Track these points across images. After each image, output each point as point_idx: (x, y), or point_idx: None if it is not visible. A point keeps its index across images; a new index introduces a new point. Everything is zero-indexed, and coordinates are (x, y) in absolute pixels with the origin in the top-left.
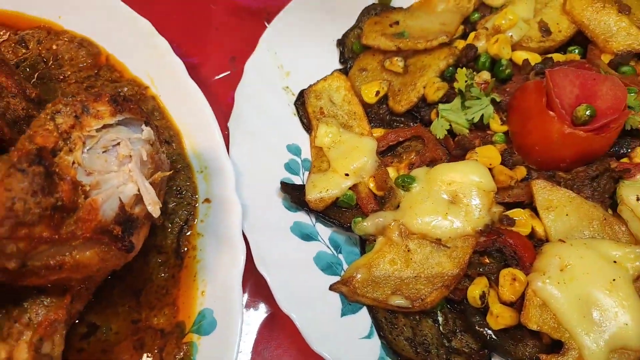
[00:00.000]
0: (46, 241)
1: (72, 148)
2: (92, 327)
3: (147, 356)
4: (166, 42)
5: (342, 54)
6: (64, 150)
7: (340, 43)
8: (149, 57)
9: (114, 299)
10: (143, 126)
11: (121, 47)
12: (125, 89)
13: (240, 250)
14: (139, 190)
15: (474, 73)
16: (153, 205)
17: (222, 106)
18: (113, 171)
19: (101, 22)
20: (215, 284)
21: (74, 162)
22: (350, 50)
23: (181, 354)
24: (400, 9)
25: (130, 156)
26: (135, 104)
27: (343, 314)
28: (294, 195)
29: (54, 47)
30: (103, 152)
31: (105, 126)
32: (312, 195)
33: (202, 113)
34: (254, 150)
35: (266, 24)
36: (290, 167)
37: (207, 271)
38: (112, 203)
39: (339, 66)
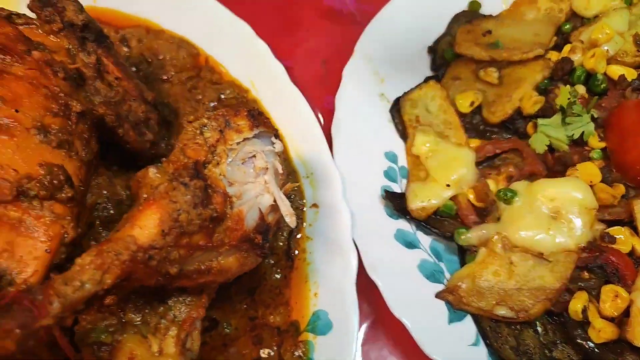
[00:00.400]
0: (201, 248)
1: (218, 161)
2: (213, 322)
3: (267, 352)
4: (266, 45)
5: (433, 61)
6: (212, 163)
7: (432, 50)
8: (248, 60)
9: (232, 297)
10: (273, 139)
11: (220, 49)
12: (228, 91)
13: (353, 256)
14: (274, 201)
15: (576, 90)
16: (290, 216)
17: (315, 110)
18: (250, 182)
19: (199, 23)
20: (328, 287)
21: (220, 174)
22: (442, 57)
23: (299, 351)
24: (490, 16)
25: (266, 168)
26: (267, 118)
27: (450, 321)
28: (396, 203)
29: (155, 46)
30: (242, 164)
31: (244, 139)
32: (414, 204)
33: (305, 118)
34: (356, 156)
35: (356, 27)
36: (389, 175)
37: (319, 274)
38: (254, 213)
39: (429, 73)
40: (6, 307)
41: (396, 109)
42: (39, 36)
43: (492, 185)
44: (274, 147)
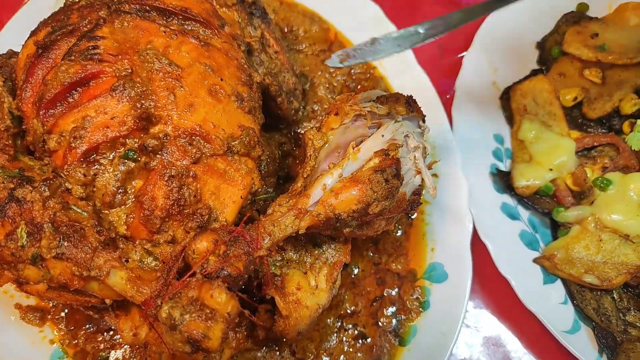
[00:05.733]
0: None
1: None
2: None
3: (388, 291)
4: (394, 27)
5: (540, 56)
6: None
7: (540, 46)
8: None
9: (359, 245)
10: (421, 122)
11: (349, 26)
12: (358, 67)
13: (469, 220)
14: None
15: None
16: (433, 190)
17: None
18: (405, 157)
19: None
20: (445, 245)
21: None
22: (548, 53)
23: (416, 295)
24: (596, 19)
25: (418, 147)
26: (419, 105)
27: (544, 282)
28: (503, 180)
29: (290, 18)
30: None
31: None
32: (519, 182)
33: (429, 97)
34: (471, 135)
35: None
36: (496, 154)
37: (436, 233)
38: (410, 190)
39: (535, 66)
40: (234, 239)
41: (506, 97)
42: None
43: (589, 173)
44: (422, 129)
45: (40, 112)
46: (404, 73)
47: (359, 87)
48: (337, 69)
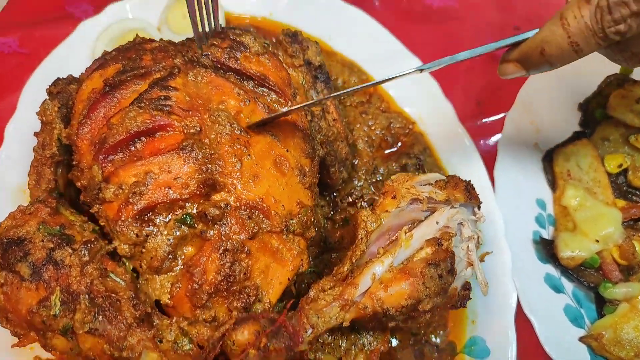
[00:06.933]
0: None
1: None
2: None
3: None
4: (436, 83)
5: (583, 118)
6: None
7: (582, 107)
8: (417, 94)
9: None
10: (476, 209)
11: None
12: (397, 122)
13: (513, 293)
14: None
15: None
16: (485, 287)
17: None
18: (457, 246)
19: (370, 50)
20: (486, 317)
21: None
22: (591, 115)
23: None
24: None
25: (472, 237)
26: (476, 192)
27: None
28: (547, 249)
29: (329, 67)
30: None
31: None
32: (564, 253)
33: (471, 158)
34: (513, 200)
35: None
36: (538, 221)
37: (477, 304)
38: (459, 284)
39: (578, 128)
40: (276, 329)
41: (548, 159)
42: (265, 67)
43: (637, 246)
44: (477, 217)
45: (100, 157)
46: (444, 130)
47: (398, 143)
48: (376, 120)
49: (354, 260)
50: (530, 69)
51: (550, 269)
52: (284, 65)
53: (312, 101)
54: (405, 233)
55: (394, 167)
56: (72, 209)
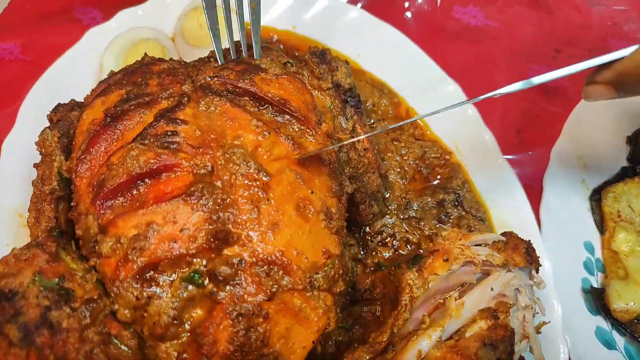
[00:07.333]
0: None
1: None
2: None
3: None
4: (476, 111)
5: (631, 152)
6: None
7: (630, 141)
8: (455, 121)
9: None
10: (533, 272)
11: (422, 102)
12: (432, 151)
13: (563, 351)
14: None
15: None
16: None
17: None
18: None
19: (402, 69)
20: None
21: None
22: None
23: None
24: None
25: (529, 307)
26: (537, 254)
27: None
28: (598, 299)
29: (358, 88)
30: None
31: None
32: (617, 305)
33: (513, 195)
34: (560, 243)
35: (549, 99)
36: (587, 266)
37: None
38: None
39: (625, 163)
40: None
41: (596, 198)
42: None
43: None
44: (535, 283)
45: (98, 202)
46: (484, 161)
47: (438, 176)
48: (409, 148)
49: (395, 330)
50: (626, 93)
51: (600, 321)
52: (308, 87)
53: (357, 137)
54: (456, 300)
55: (430, 203)
56: (74, 250)
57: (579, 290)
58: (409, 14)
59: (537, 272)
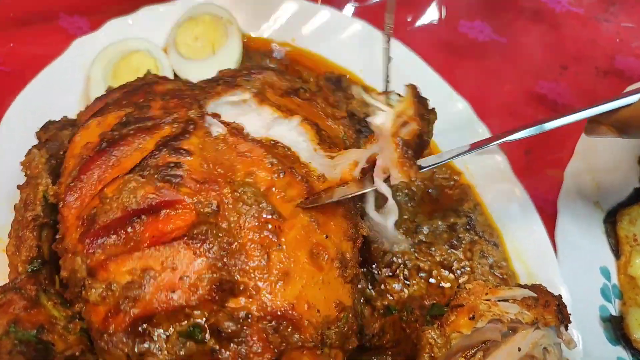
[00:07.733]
0: None
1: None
2: None
3: None
4: (486, 130)
5: None
6: None
7: None
8: (464, 141)
9: None
10: (562, 329)
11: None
12: (440, 171)
13: None
14: None
15: None
16: None
17: None
18: None
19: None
20: None
21: None
22: None
23: None
24: None
25: None
26: (568, 311)
27: None
28: (618, 329)
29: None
30: None
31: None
32: (637, 334)
33: (527, 218)
34: (578, 269)
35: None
36: (604, 293)
37: None
38: None
39: (637, 184)
40: None
41: (611, 221)
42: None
43: None
44: (565, 341)
45: (86, 240)
46: (495, 183)
47: (454, 198)
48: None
49: None
50: (627, 136)
51: (620, 351)
52: (322, 115)
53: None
54: None
55: (440, 227)
56: (56, 292)
57: (597, 319)
58: (413, 28)
59: (567, 330)
